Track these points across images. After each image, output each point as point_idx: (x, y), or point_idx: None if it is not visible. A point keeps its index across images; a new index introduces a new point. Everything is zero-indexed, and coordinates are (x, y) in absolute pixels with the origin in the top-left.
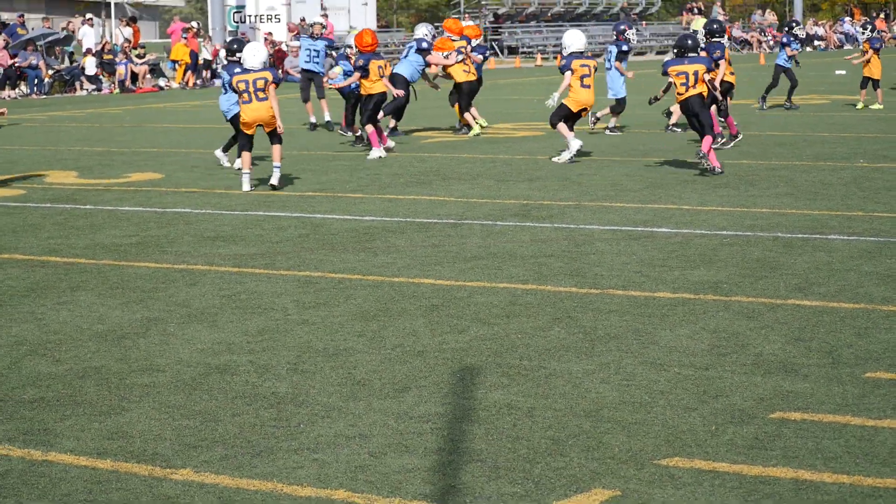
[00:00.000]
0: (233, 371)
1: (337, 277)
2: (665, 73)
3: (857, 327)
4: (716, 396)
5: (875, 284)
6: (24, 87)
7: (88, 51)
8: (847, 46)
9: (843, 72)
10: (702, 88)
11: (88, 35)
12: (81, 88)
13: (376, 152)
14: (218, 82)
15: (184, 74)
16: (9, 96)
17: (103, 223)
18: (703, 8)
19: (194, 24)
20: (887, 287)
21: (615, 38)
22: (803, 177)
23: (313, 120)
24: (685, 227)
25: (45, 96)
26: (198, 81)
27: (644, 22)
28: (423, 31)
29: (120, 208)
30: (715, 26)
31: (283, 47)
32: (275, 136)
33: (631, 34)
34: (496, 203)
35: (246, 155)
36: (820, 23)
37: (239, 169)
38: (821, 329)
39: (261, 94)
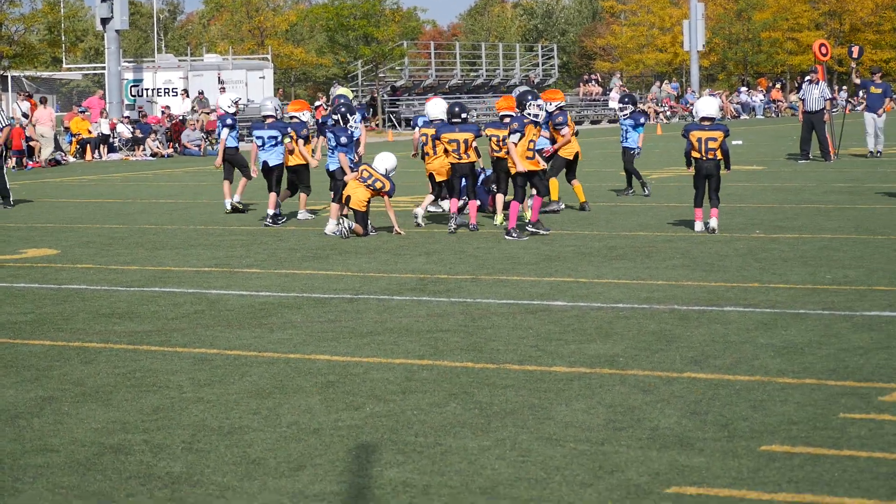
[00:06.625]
0: (127, 451)
1: (232, 354)
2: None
3: (753, 400)
4: (612, 472)
5: (771, 356)
6: None
7: None
8: (744, 117)
9: (740, 142)
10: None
11: None
12: None
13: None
14: (115, 156)
15: (82, 148)
16: None
17: None
18: (600, 79)
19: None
20: (783, 359)
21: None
22: (699, 248)
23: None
24: (581, 301)
25: None
26: (94, 155)
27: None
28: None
29: (15, 285)
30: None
31: (181, 120)
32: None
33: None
34: (392, 277)
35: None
36: (716, 93)
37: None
38: (716, 402)
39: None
